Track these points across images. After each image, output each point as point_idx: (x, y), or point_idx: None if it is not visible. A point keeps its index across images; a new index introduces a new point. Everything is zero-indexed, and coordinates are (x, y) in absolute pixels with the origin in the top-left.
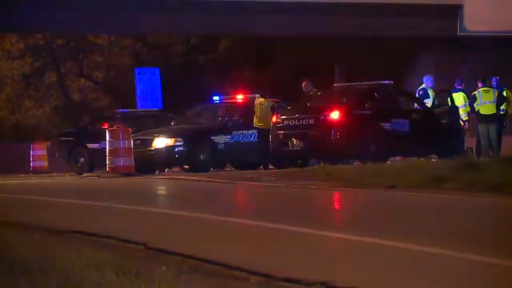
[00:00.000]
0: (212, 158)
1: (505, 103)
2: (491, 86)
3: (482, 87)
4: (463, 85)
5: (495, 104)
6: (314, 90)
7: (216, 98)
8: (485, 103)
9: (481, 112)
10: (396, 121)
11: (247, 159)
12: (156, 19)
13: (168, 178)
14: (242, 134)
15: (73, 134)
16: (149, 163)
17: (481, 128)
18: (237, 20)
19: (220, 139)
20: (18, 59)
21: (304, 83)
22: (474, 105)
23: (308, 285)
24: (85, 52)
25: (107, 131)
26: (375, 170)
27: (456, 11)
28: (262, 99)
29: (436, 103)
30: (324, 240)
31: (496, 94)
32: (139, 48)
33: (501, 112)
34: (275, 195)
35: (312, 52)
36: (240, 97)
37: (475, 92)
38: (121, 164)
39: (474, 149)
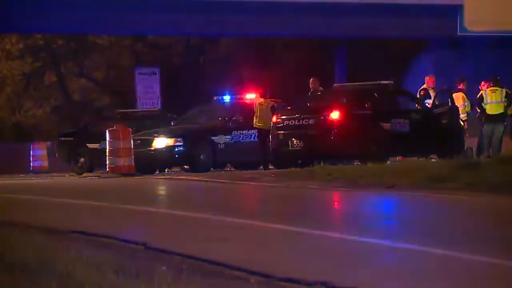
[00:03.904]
0: (212, 158)
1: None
2: (502, 86)
3: (488, 87)
4: (463, 85)
5: (502, 104)
6: (321, 88)
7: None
8: (492, 102)
9: (488, 112)
10: (396, 121)
11: (247, 159)
12: (156, 19)
13: (168, 178)
14: (242, 134)
15: (73, 134)
16: (149, 163)
17: (487, 127)
18: (237, 20)
19: (220, 139)
20: (18, 59)
21: (311, 80)
22: (482, 104)
23: (308, 285)
24: (85, 52)
25: (107, 131)
26: (375, 170)
27: (456, 11)
28: (262, 99)
29: (436, 103)
30: (324, 240)
31: (504, 94)
32: (139, 48)
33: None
34: (275, 195)
35: (312, 52)
36: (240, 97)
37: (482, 92)
38: (121, 164)
39: (474, 149)
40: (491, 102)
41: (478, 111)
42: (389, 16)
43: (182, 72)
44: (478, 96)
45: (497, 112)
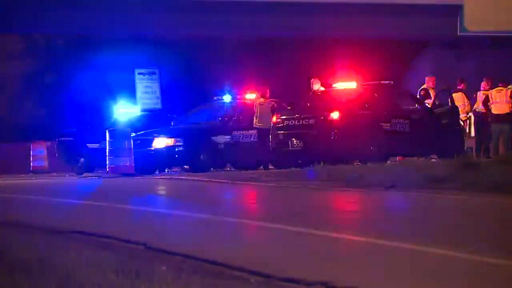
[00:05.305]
0: (212, 158)
1: None
2: (507, 85)
3: (484, 87)
4: (463, 85)
5: (508, 104)
6: (321, 88)
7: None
8: (497, 102)
9: (493, 112)
10: (396, 121)
11: (247, 159)
12: (156, 19)
13: (168, 178)
14: (242, 134)
15: (73, 134)
16: (149, 163)
17: (494, 127)
18: (237, 20)
19: (220, 139)
20: (18, 59)
21: (312, 80)
22: (488, 104)
23: (308, 285)
24: (85, 52)
25: (107, 131)
26: (375, 170)
27: (456, 11)
28: (262, 99)
29: (436, 103)
30: (324, 240)
31: (509, 94)
32: (139, 48)
33: None
34: (275, 195)
35: (312, 52)
36: (240, 97)
37: (488, 92)
38: (121, 164)
39: (474, 149)
40: (496, 102)
41: (475, 112)
42: (389, 16)
43: (182, 72)
44: (484, 96)
45: (503, 112)
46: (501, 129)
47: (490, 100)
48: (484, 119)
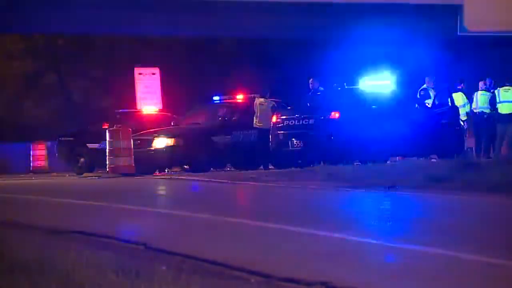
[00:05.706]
0: (212, 158)
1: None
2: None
3: (483, 88)
4: (463, 85)
5: None
6: (321, 88)
7: (216, 98)
8: (504, 102)
9: (500, 111)
10: (395, 121)
11: (247, 159)
12: (157, 19)
13: (168, 178)
14: (242, 134)
15: (73, 134)
16: (149, 163)
17: (500, 127)
18: (237, 20)
19: (220, 139)
20: (18, 59)
21: (311, 80)
22: (496, 103)
23: (308, 285)
24: (85, 52)
25: (107, 131)
26: (375, 170)
27: (456, 11)
28: (262, 99)
29: (436, 103)
30: (324, 240)
31: None
32: (139, 48)
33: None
34: (275, 195)
35: (312, 52)
36: (240, 97)
37: (496, 91)
38: (121, 164)
39: (474, 149)
40: (503, 102)
41: (472, 111)
42: (389, 16)
43: (182, 72)
44: (491, 95)
45: (510, 112)
46: (507, 129)
47: (498, 99)
48: (483, 119)
